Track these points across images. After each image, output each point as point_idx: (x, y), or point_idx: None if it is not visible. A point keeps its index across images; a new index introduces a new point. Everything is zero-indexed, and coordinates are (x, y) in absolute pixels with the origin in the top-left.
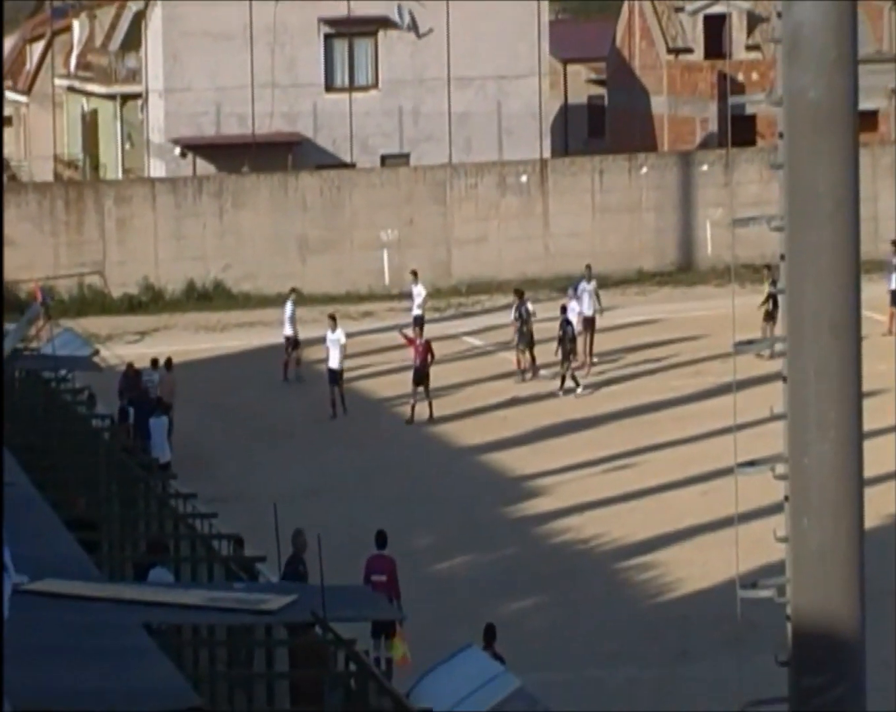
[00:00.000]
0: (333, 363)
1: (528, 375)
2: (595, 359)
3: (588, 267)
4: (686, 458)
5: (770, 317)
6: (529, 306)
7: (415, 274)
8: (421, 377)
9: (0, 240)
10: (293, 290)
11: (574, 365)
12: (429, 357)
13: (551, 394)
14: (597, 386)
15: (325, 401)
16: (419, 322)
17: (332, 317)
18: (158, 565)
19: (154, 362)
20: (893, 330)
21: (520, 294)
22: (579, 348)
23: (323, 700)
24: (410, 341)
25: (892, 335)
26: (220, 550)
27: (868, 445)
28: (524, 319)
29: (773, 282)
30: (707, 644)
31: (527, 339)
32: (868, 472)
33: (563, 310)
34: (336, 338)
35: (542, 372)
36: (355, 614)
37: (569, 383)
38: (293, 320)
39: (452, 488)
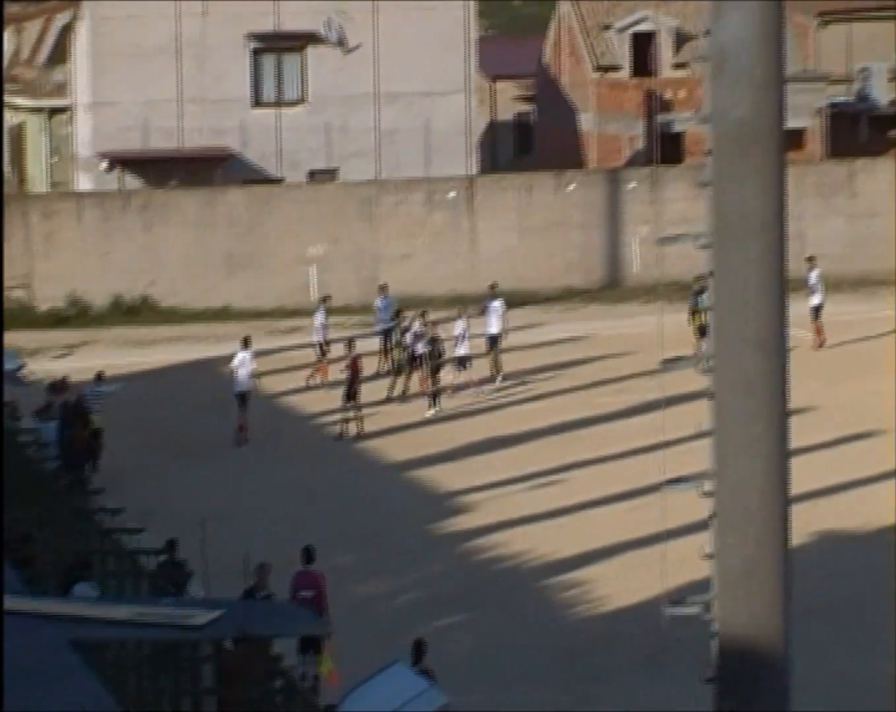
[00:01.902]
0: (243, 386)
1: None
2: (502, 378)
3: (493, 285)
4: (613, 475)
5: (702, 332)
6: (416, 326)
7: (382, 288)
8: (352, 392)
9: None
10: (325, 298)
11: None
12: (359, 372)
13: (479, 411)
14: (523, 401)
15: (240, 421)
16: (387, 334)
17: (246, 341)
18: (83, 580)
19: (99, 375)
20: (820, 343)
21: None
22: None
23: None
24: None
25: (820, 349)
26: (147, 565)
27: (794, 463)
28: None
29: (698, 293)
30: (633, 660)
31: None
32: (794, 490)
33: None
34: (244, 357)
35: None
36: (282, 630)
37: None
38: (325, 327)
39: (379, 505)
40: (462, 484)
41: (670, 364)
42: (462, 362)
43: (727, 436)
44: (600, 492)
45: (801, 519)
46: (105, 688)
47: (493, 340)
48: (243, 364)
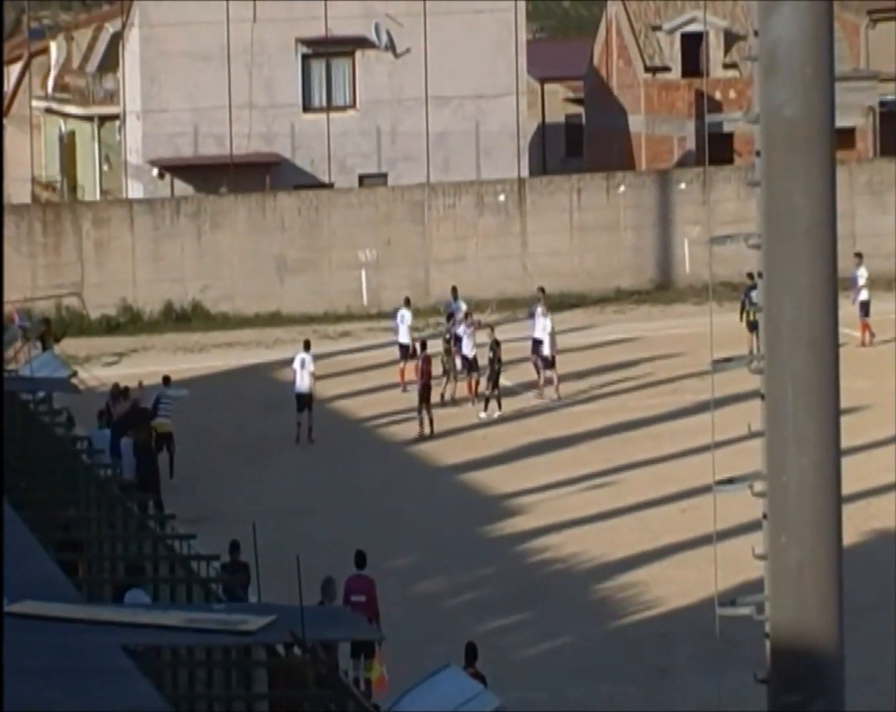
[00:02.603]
0: (303, 388)
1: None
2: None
3: (541, 289)
4: (664, 476)
5: (754, 327)
6: (461, 330)
7: (453, 290)
8: (424, 393)
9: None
10: (408, 300)
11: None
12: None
13: (530, 414)
14: (576, 403)
15: (300, 422)
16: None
17: (307, 344)
18: (135, 587)
19: (166, 379)
20: (866, 341)
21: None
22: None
23: None
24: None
25: (866, 347)
26: (199, 571)
27: (846, 462)
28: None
29: (750, 289)
30: (686, 661)
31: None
32: (846, 489)
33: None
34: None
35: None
36: (334, 635)
37: (491, 405)
38: (409, 329)
39: (432, 507)
40: (515, 486)
41: (720, 364)
42: (546, 363)
43: (778, 436)
44: (653, 494)
45: (852, 518)
46: (158, 693)
47: (537, 344)
48: (304, 366)
